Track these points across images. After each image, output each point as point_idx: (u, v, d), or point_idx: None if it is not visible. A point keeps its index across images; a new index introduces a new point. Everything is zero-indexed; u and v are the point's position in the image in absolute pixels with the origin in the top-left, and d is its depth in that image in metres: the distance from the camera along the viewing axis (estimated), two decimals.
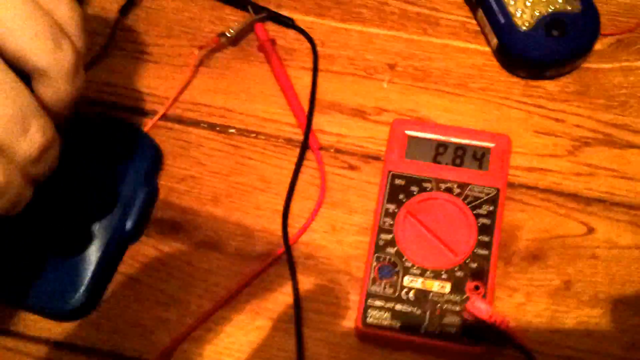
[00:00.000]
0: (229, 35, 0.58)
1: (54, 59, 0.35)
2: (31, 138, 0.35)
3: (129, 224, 0.51)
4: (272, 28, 0.60)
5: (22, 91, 0.35)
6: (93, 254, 0.50)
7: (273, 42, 0.59)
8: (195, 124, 0.57)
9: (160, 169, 0.55)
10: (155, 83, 0.58)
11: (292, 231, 0.52)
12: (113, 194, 0.51)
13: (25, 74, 0.36)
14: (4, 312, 0.51)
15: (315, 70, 0.58)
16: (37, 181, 0.38)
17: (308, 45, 0.59)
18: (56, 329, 0.50)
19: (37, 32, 0.35)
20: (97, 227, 0.50)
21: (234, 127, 0.56)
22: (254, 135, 0.56)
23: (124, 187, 0.52)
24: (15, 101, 0.34)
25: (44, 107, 0.36)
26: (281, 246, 0.52)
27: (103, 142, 0.53)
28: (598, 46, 0.57)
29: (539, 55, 0.55)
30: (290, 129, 0.56)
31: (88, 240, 0.50)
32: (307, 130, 0.55)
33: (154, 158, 0.54)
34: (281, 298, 0.50)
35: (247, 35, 0.60)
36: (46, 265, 0.49)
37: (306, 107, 0.56)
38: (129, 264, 0.52)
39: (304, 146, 0.55)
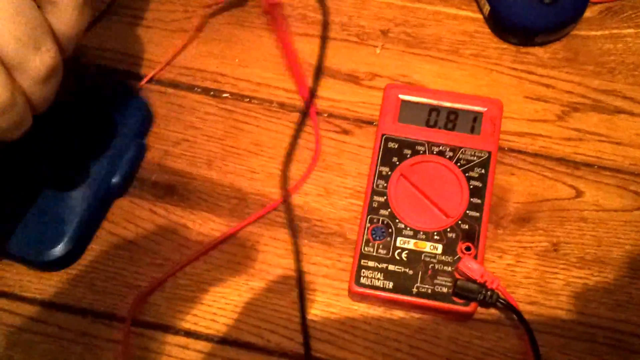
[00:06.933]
0: None
1: None
2: (42, 56, 0.36)
3: (115, 179, 0.51)
4: None
5: (36, 12, 0.36)
6: (78, 205, 0.50)
7: (279, 5, 0.59)
8: (189, 88, 0.57)
9: (150, 127, 0.55)
10: (150, 48, 0.58)
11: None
12: (100, 148, 0.52)
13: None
14: None
15: (324, 35, 0.58)
16: (37, 109, 0.39)
17: (302, 11, 0.59)
18: (50, 290, 0.51)
19: None
20: (83, 179, 0.51)
21: (227, 92, 0.57)
22: (247, 99, 0.56)
23: (112, 142, 0.52)
24: (30, 20, 0.35)
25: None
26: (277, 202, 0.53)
27: (94, 97, 0.53)
28: (587, 13, 0.58)
29: (531, 21, 0.55)
30: (283, 94, 0.56)
31: (73, 191, 0.50)
32: (311, 94, 0.56)
33: (144, 116, 0.55)
34: (275, 260, 0.51)
35: None
36: (31, 215, 0.50)
37: (306, 73, 0.57)
38: (124, 226, 0.52)
39: (306, 110, 0.55)
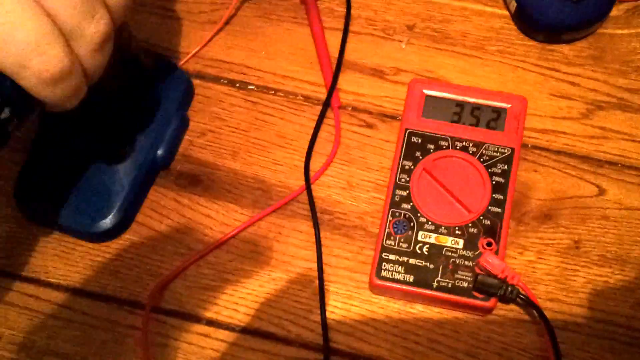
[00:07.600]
0: None
1: None
2: (97, 23, 0.37)
3: (160, 150, 0.53)
4: None
5: None
6: (125, 178, 0.52)
7: None
8: (216, 80, 0.57)
9: (191, 100, 0.57)
10: (178, 39, 0.59)
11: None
12: (145, 121, 0.53)
13: None
14: (25, 259, 0.52)
15: (346, 27, 0.59)
16: (91, 79, 0.40)
17: (328, 5, 0.60)
18: (75, 277, 0.51)
19: None
20: (129, 152, 0.52)
21: (253, 84, 0.57)
22: (273, 92, 0.57)
23: (156, 114, 0.53)
24: None
25: None
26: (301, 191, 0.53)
27: (137, 71, 0.54)
28: (614, 12, 0.58)
29: (557, 19, 0.55)
30: (308, 87, 0.57)
31: (120, 164, 0.52)
32: (332, 87, 0.56)
33: (186, 90, 0.56)
34: (297, 251, 0.51)
35: None
36: (81, 188, 0.51)
37: (332, 66, 0.57)
38: (148, 215, 0.53)
39: (327, 101, 0.56)
